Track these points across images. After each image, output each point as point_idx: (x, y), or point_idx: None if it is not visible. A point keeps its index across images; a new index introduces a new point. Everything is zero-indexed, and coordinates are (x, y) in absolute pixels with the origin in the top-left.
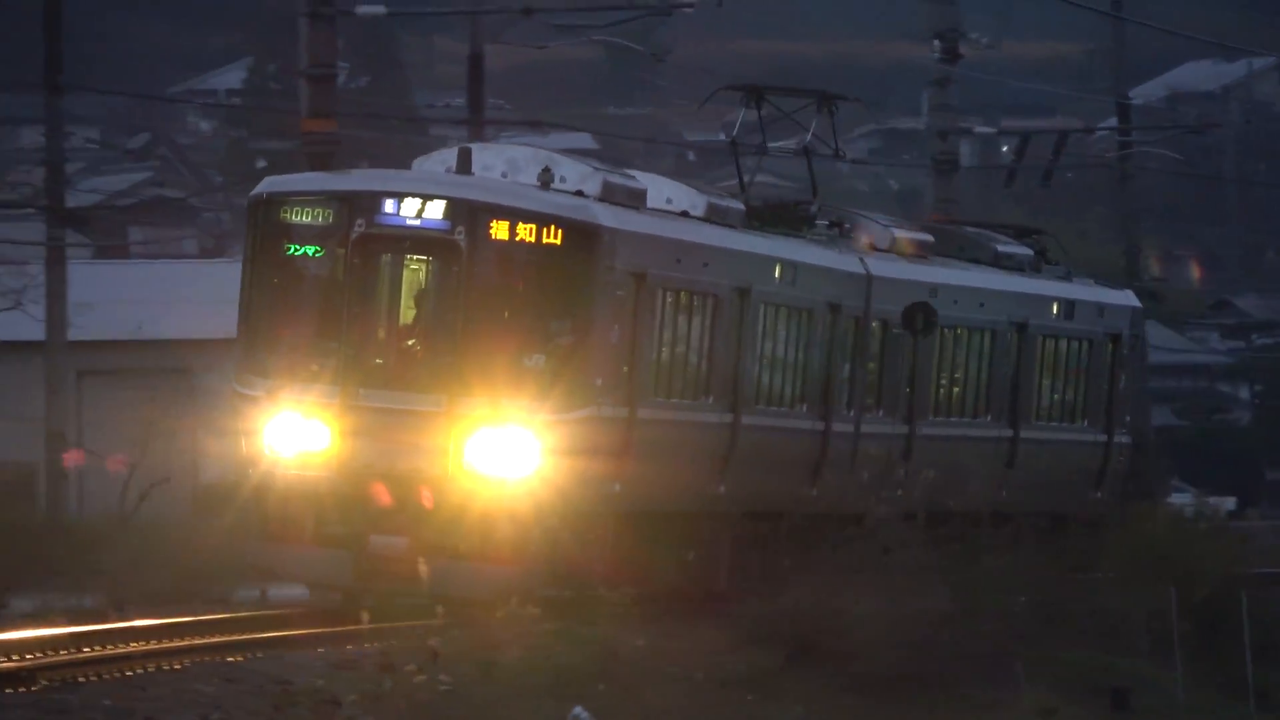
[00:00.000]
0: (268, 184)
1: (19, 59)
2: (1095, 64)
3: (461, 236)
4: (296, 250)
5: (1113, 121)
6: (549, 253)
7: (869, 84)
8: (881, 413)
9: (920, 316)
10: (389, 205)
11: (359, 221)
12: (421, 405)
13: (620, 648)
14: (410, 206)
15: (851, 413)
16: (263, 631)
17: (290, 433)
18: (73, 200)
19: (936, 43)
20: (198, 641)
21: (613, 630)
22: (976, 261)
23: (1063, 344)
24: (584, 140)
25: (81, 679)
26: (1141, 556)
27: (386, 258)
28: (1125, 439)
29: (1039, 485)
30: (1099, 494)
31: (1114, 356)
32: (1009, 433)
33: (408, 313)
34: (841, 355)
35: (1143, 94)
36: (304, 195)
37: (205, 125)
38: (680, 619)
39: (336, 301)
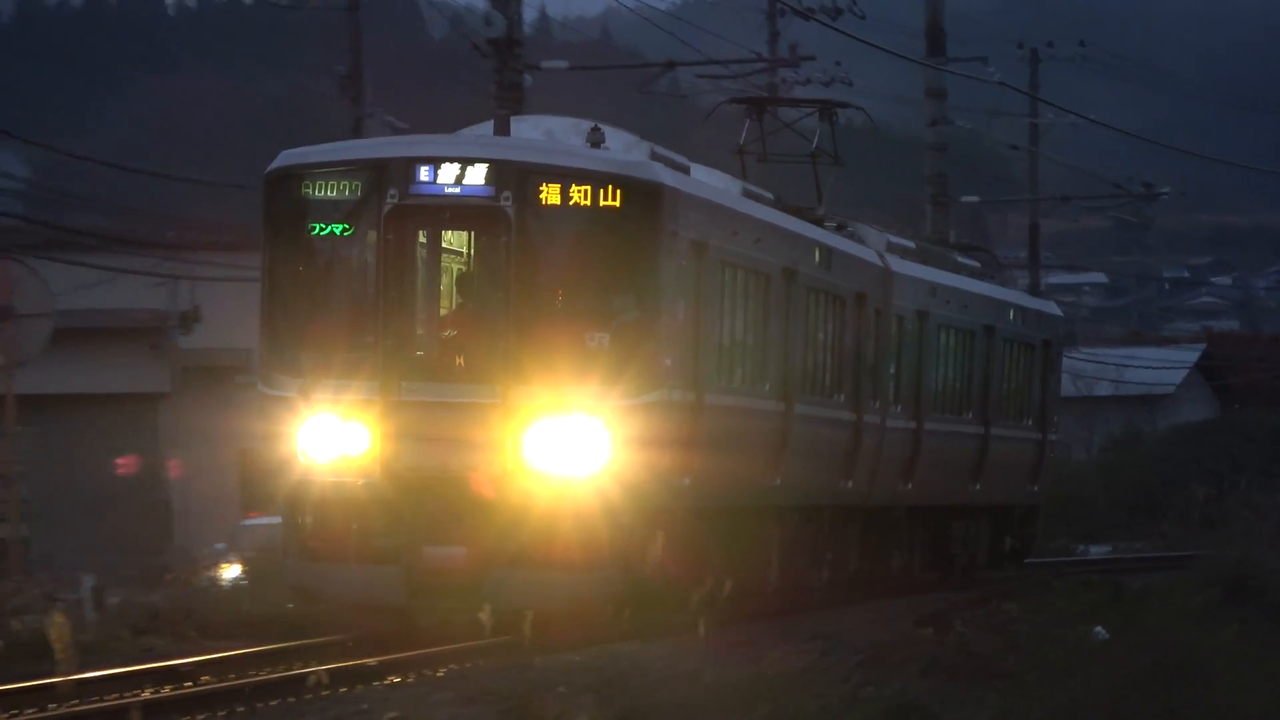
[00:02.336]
0: (285, 157)
1: None
2: None
3: (508, 203)
4: (322, 230)
5: None
6: (608, 217)
7: None
8: (899, 407)
9: None
10: (424, 172)
11: (391, 192)
12: (473, 397)
13: (1127, 588)
14: (448, 172)
15: (878, 404)
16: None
17: (326, 436)
18: None
19: None
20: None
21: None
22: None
23: (1016, 347)
24: (1099, 277)
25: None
26: None
27: (425, 232)
28: (1055, 436)
29: (999, 480)
30: (1035, 487)
31: (1046, 360)
32: (982, 430)
33: (452, 294)
34: (867, 347)
35: None
36: (326, 166)
37: None
38: (1147, 570)
39: (370, 285)
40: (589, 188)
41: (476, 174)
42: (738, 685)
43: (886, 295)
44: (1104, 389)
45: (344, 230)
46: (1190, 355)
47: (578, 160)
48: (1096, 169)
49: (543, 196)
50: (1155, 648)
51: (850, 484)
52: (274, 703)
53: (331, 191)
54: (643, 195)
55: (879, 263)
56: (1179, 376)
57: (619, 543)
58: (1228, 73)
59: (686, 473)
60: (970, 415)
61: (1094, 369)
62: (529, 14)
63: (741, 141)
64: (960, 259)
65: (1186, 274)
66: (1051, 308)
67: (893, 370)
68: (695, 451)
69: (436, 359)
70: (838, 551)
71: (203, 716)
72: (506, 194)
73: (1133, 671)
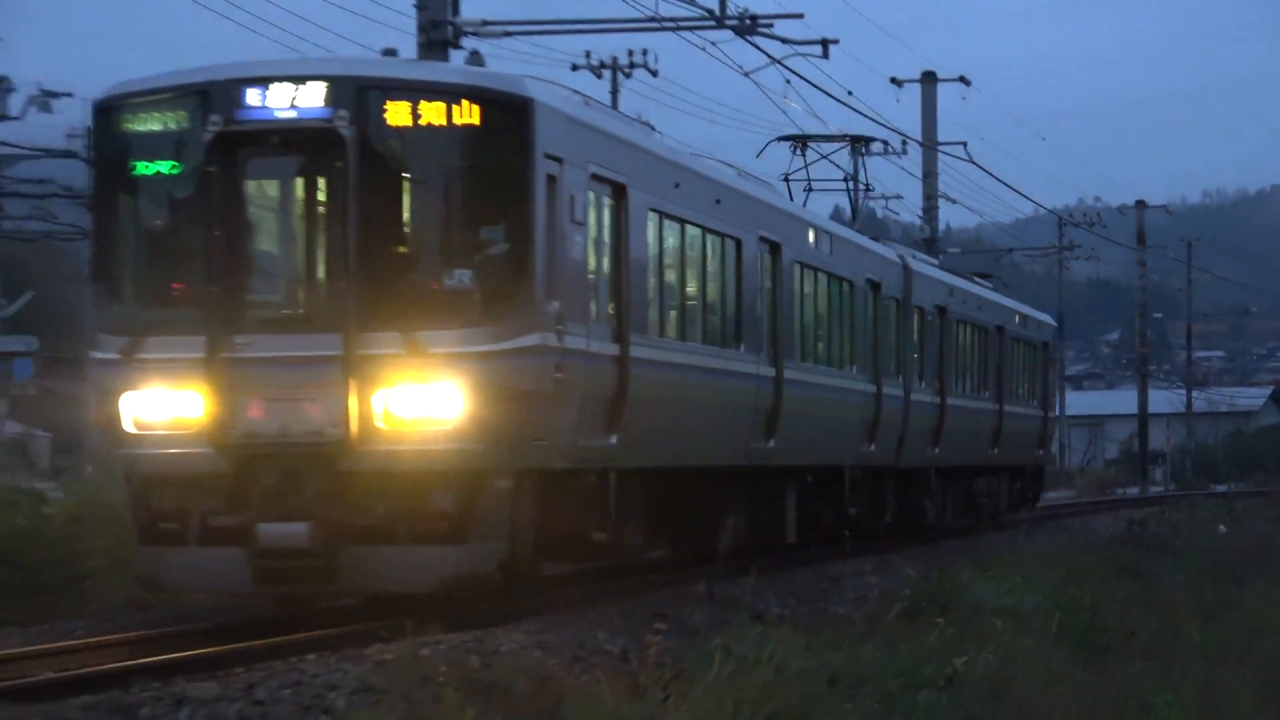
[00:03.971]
0: (111, 87)
1: None
2: None
3: (346, 124)
4: (146, 168)
5: None
6: (466, 138)
7: None
8: (924, 384)
9: None
10: (252, 95)
11: (213, 119)
12: (314, 350)
13: (1236, 506)
14: (280, 94)
15: (901, 380)
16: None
17: (154, 401)
18: None
19: None
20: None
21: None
22: None
23: (1021, 345)
24: (1220, 353)
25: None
26: None
27: (254, 163)
28: (1053, 414)
29: (1013, 445)
30: (1040, 452)
31: (1045, 357)
32: (996, 407)
33: (288, 232)
34: (885, 329)
35: None
36: (149, 95)
37: None
38: (1247, 497)
39: (197, 226)
40: (442, 104)
41: (311, 94)
42: (1038, 557)
43: (907, 289)
44: (1224, 407)
45: (171, 167)
46: (1266, 391)
47: (427, 73)
48: (1221, 298)
49: (388, 116)
50: (1251, 536)
51: (873, 448)
52: None
53: (154, 124)
54: (506, 111)
55: (898, 261)
56: (1260, 402)
57: (496, 509)
58: None
59: (612, 430)
60: (988, 394)
61: (1219, 397)
62: (941, 226)
63: (788, 171)
64: (976, 278)
65: (1265, 351)
66: (1049, 319)
67: (916, 353)
68: (625, 407)
69: (273, 307)
70: (864, 505)
71: None
72: (344, 114)
73: (1241, 548)
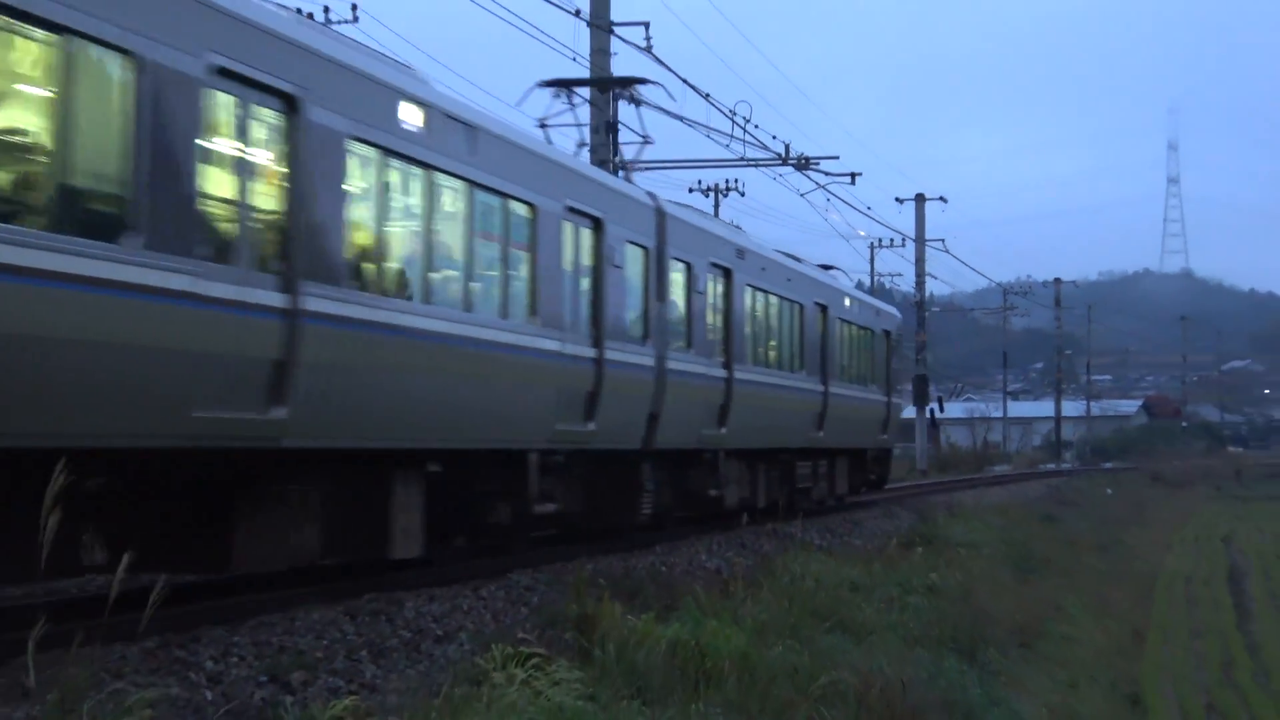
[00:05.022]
0: None
1: None
2: None
3: None
4: None
5: None
6: None
7: None
8: (696, 354)
9: None
10: None
11: None
12: None
13: (1117, 475)
14: None
15: (652, 346)
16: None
17: None
18: None
19: None
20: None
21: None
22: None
23: (854, 328)
24: (1109, 377)
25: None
26: None
27: None
28: (898, 400)
29: (846, 427)
30: (884, 435)
31: (888, 345)
32: (820, 388)
33: None
34: (618, 281)
35: None
36: None
37: None
38: (1125, 471)
39: None
40: None
41: None
42: (992, 509)
43: (661, 238)
44: (1111, 413)
45: None
46: (1138, 402)
47: None
48: (1110, 342)
49: None
50: (1129, 497)
51: (593, 426)
52: None
53: None
54: None
55: (648, 203)
56: (1135, 409)
57: None
58: (1158, 306)
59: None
60: (805, 373)
61: (1108, 405)
62: (927, 294)
63: (544, 116)
64: (812, 263)
65: (1138, 376)
66: (894, 311)
67: (682, 316)
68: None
69: None
70: (576, 498)
71: None
72: None
73: (1122, 504)
